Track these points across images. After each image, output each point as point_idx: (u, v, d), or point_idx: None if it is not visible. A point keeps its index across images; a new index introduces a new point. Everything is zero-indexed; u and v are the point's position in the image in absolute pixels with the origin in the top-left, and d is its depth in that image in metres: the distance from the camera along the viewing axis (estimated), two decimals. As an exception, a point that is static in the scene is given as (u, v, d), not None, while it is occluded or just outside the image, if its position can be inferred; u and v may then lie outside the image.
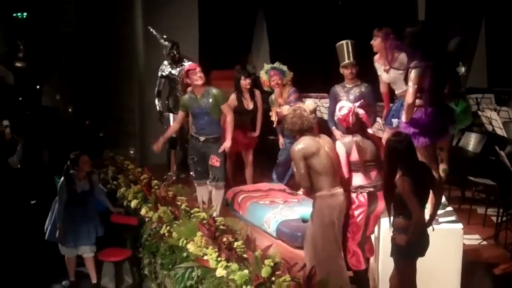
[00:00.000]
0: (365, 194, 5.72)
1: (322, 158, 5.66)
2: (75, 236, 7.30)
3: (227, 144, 7.52)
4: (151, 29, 9.26)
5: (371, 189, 5.72)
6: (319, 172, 5.65)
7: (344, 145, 5.78)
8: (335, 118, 6.57)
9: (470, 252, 6.42)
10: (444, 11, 10.98)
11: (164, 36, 9.21)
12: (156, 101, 9.42)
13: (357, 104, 5.95)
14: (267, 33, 11.59)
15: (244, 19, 11.62)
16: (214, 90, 7.54)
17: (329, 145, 5.81)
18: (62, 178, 7.27)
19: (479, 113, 8.50)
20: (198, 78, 7.43)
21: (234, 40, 11.48)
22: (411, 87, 5.60)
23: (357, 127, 5.82)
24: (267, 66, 8.49)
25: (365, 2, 11.15)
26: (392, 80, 6.62)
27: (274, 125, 8.36)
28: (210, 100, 7.45)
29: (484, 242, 7.08)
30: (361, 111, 5.86)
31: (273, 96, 8.47)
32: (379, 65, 6.90)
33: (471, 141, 8.37)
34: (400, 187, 4.93)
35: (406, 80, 5.79)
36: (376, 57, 6.97)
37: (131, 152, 9.54)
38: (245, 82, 8.54)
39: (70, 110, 11.05)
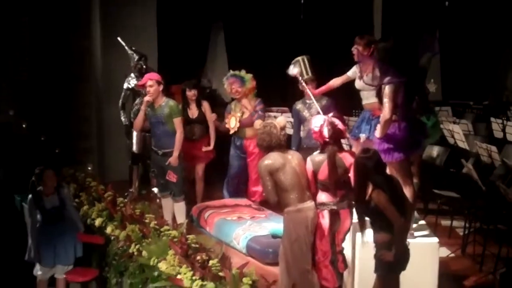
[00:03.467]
0: (327, 212, 5.62)
1: (288, 174, 5.63)
2: (53, 254, 7.02)
3: (171, 159, 7.48)
4: (120, 40, 9.06)
5: (334, 207, 5.60)
6: (285, 188, 5.63)
7: (312, 163, 5.65)
8: (309, 134, 6.50)
9: (440, 265, 6.43)
10: (400, 26, 11.18)
11: (133, 48, 9.05)
12: (121, 114, 9.26)
13: (331, 114, 5.81)
14: (226, 46, 11.52)
15: (199, 32, 11.54)
16: (171, 102, 7.60)
17: (298, 161, 5.76)
18: (30, 196, 7.03)
19: (440, 126, 8.64)
20: (148, 91, 7.48)
21: (190, 54, 11.41)
22: (387, 103, 5.58)
23: (334, 139, 5.60)
24: (228, 73, 8.49)
25: (325, 17, 11.23)
26: (362, 88, 6.54)
27: (231, 132, 8.45)
28: (166, 110, 7.49)
29: (452, 254, 7.17)
30: (336, 121, 5.66)
31: (232, 105, 8.47)
32: (356, 70, 6.65)
33: (434, 154, 8.44)
34: (375, 199, 4.91)
35: (379, 95, 5.79)
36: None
37: (89, 168, 9.30)
38: (190, 93, 8.54)
39: (24, 125, 10.72)
